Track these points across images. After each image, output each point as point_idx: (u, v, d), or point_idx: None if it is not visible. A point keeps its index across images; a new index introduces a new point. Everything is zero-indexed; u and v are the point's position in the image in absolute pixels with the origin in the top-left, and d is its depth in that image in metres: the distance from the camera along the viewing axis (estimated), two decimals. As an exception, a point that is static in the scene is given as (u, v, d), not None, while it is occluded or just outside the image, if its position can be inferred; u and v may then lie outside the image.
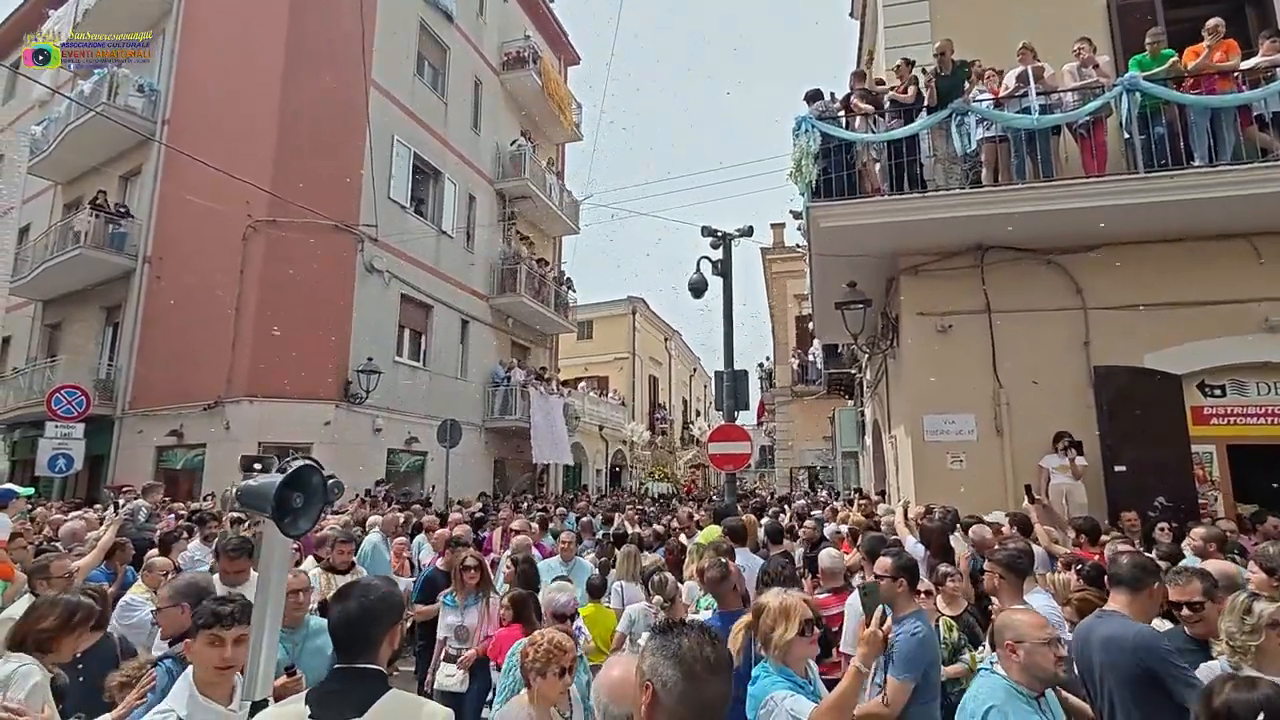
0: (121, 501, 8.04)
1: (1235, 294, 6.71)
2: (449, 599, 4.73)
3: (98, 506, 9.32)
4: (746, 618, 2.50)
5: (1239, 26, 7.39)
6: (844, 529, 7.20)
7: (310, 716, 1.75)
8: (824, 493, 17.08)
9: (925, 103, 7.25)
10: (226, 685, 2.26)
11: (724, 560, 3.61)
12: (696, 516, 9.41)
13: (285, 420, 12.52)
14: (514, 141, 19.57)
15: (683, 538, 7.34)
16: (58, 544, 5.66)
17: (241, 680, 2.16)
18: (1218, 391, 6.97)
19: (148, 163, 15.43)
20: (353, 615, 1.91)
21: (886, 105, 7.53)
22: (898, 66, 7.69)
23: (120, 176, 16.33)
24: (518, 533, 6.53)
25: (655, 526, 8.85)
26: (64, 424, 10.83)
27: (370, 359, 13.34)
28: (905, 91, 7.45)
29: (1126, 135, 6.50)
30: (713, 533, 6.17)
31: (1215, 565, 3.46)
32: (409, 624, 5.48)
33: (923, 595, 3.97)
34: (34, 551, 4.91)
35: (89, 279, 15.41)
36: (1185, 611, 2.90)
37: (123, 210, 15.27)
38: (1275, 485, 6.57)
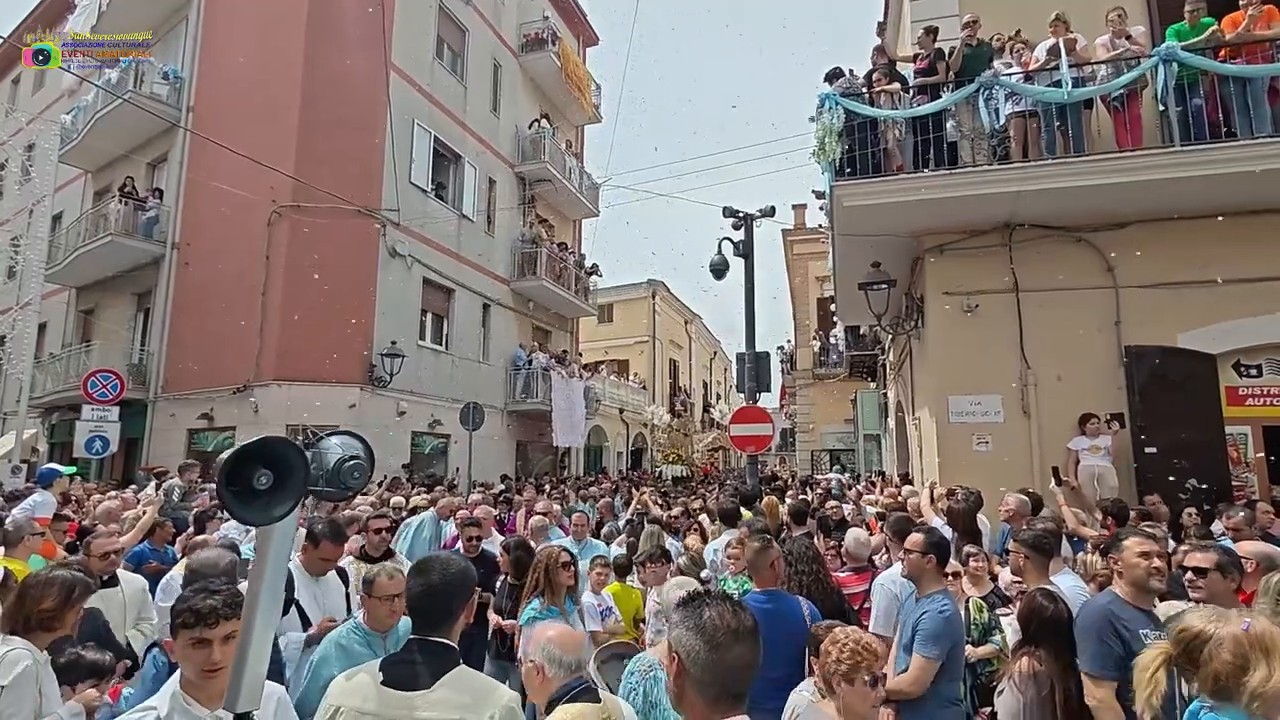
0: (155, 483, 8.27)
1: (1272, 271, 6.52)
2: (551, 612, 3.67)
3: (133, 487, 9.60)
4: (1164, 646, 1.79)
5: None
6: (871, 510, 7.18)
7: (382, 683, 1.85)
8: (843, 476, 16.94)
9: (950, 72, 7.10)
10: (215, 688, 1.92)
11: (767, 534, 3.59)
12: (717, 499, 9.40)
13: (312, 403, 12.72)
14: (533, 124, 19.50)
15: (703, 519, 7.39)
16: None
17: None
18: (1254, 371, 6.81)
19: (174, 149, 15.63)
20: (436, 588, 1.99)
21: (912, 80, 7.38)
22: (920, 36, 7.53)
23: (147, 163, 16.57)
24: (543, 514, 6.63)
25: (675, 509, 8.91)
26: (99, 407, 11.14)
27: (394, 342, 13.50)
28: (926, 63, 7.27)
29: (1162, 107, 6.32)
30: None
31: (1254, 547, 3.40)
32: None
33: (950, 577, 3.96)
34: (79, 531, 5.08)
35: (120, 265, 15.71)
36: (1189, 576, 2.81)
37: (158, 193, 15.51)
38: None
